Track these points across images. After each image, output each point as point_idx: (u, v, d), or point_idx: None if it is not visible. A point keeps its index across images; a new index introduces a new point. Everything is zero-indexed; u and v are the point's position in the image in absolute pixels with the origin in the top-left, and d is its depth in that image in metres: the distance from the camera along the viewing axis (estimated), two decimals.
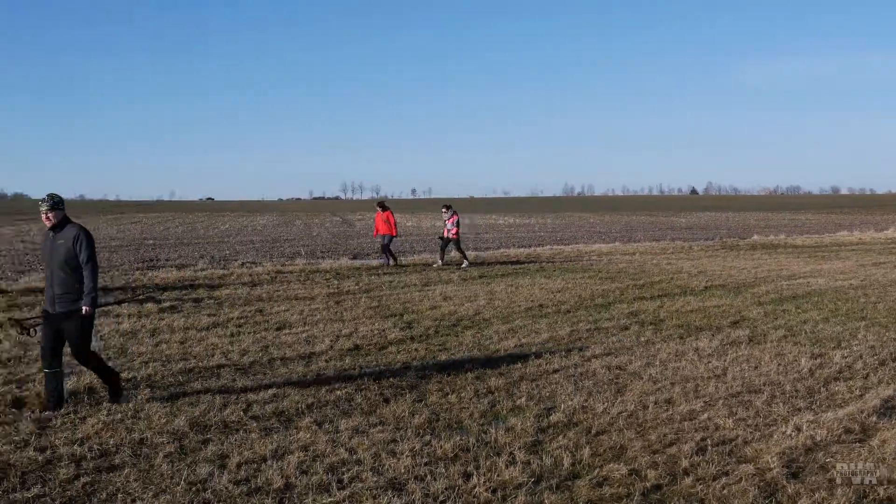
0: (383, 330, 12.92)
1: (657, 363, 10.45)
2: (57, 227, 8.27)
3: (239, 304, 15.65)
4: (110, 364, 10.13)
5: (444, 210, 25.03)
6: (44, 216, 8.28)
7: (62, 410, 8.15)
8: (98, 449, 7.04)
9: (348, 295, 17.28)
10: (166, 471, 6.56)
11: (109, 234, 43.41)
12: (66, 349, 8.39)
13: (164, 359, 10.64)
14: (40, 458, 6.81)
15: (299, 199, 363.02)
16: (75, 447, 7.07)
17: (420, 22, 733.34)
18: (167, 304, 15.53)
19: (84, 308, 8.14)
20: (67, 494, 6.07)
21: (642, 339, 12.14)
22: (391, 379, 9.66)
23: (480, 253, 29.85)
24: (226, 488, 6.19)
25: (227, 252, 30.05)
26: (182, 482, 6.30)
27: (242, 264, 24.52)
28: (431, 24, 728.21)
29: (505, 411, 8.32)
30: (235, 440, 7.34)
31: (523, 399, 8.74)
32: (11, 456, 6.83)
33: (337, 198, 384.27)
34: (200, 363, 10.41)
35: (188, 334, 12.40)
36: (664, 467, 6.67)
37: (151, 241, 36.51)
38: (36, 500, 5.95)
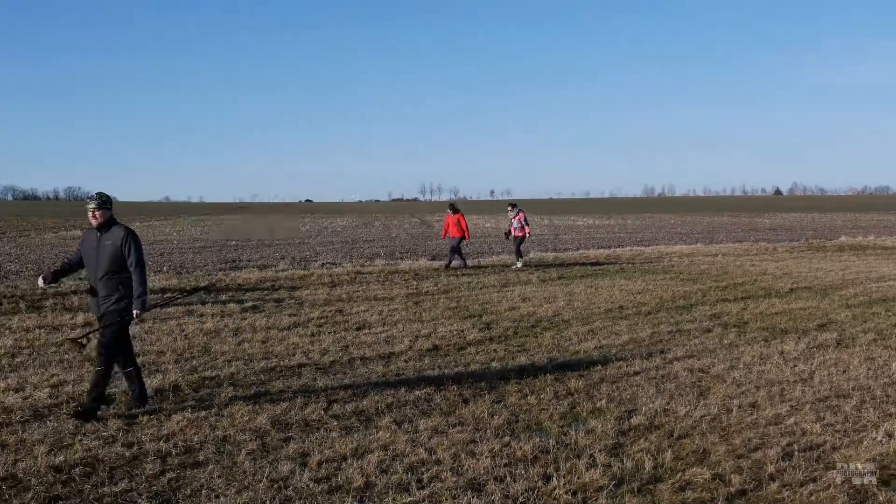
0: (462, 331, 12.92)
1: (741, 366, 10.24)
2: (103, 227, 8.16)
3: (319, 305, 15.81)
4: (192, 364, 10.34)
5: (509, 209, 24.87)
6: (90, 214, 8.14)
7: (146, 407, 8.32)
8: (183, 445, 7.18)
9: (427, 296, 17.34)
10: (249, 468, 6.65)
11: (193, 235, 44.29)
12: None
13: (246, 357, 10.80)
14: (128, 453, 6.97)
15: (378, 200, 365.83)
16: (161, 443, 7.22)
17: (497, 17, 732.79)
18: (249, 303, 15.77)
19: (135, 311, 8.05)
20: (153, 489, 6.20)
21: (725, 341, 11.91)
22: (470, 379, 9.65)
23: (559, 254, 29.67)
24: (307, 486, 6.25)
25: (308, 253, 30.39)
26: (264, 479, 6.38)
27: (323, 265, 24.78)
28: (508, 21, 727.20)
29: (585, 413, 8.24)
30: (316, 438, 7.41)
31: (604, 401, 8.65)
32: (100, 451, 6.99)
33: (416, 199, 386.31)
34: (282, 362, 10.54)
35: (270, 334, 12.57)
36: (749, 472, 6.53)
37: (234, 242, 37.12)
38: (123, 495, 6.09)
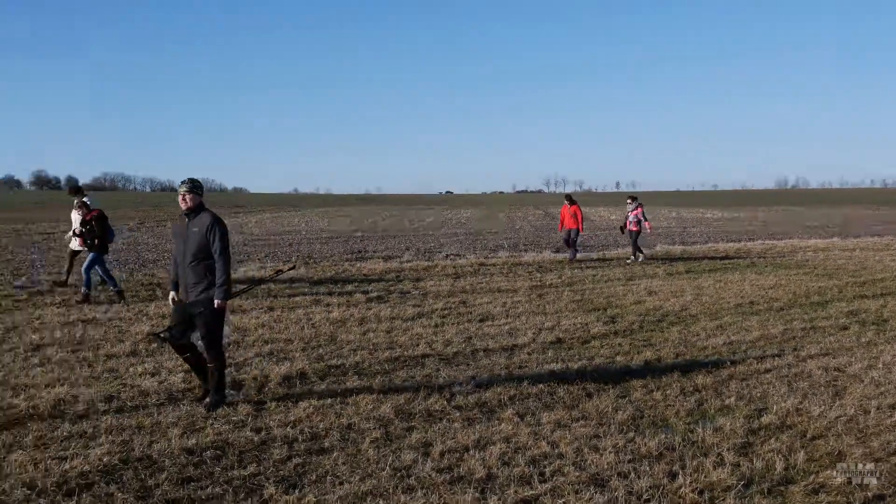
0: (586, 324, 12.77)
1: (880, 366, 9.80)
2: (192, 213, 8.08)
3: (443, 296, 15.89)
4: (319, 352, 10.54)
5: (629, 201, 24.34)
6: (181, 197, 8.08)
7: (236, 397, 8.33)
8: (309, 432, 7.31)
9: (551, 288, 17.22)
10: (372, 456, 6.72)
11: (320, 226, 45.18)
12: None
13: (371, 347, 10.93)
14: (256, 438, 7.14)
15: (502, 192, 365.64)
16: (288, 429, 7.36)
17: (628, 7, 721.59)
18: (374, 294, 15.98)
19: (216, 301, 7.89)
20: (280, 474, 6.33)
21: (863, 339, 11.43)
22: (594, 373, 9.53)
23: (687, 247, 29.05)
24: (429, 476, 6.28)
25: (432, 244, 30.62)
26: (387, 468, 6.44)
27: (446, 256, 24.92)
28: (636, 13, 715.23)
29: (713, 410, 8.03)
30: (439, 429, 7.44)
31: (732, 399, 8.41)
32: (230, 435, 7.19)
33: (540, 191, 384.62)
34: (406, 352, 10.63)
35: (394, 324, 12.70)
36: (888, 477, 6.24)
37: (360, 234, 37.71)
38: (251, 479, 6.24)
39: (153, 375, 9.22)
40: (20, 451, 6.66)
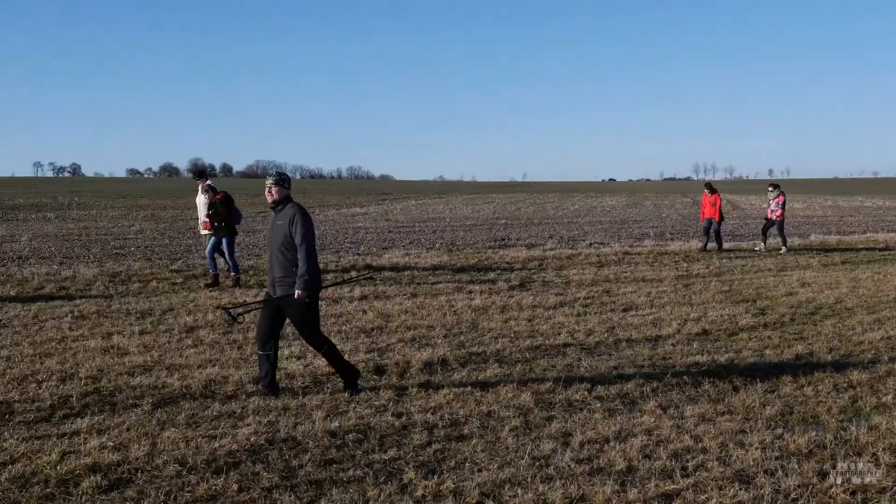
0: (734, 315, 12.41)
1: None
2: (278, 205, 8.05)
3: (586, 285, 15.74)
4: (460, 339, 10.60)
5: (770, 189, 23.25)
6: (267, 190, 8.07)
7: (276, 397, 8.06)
8: (449, 418, 7.36)
9: (697, 278, 16.81)
10: (511, 444, 6.72)
11: (464, 213, 45.44)
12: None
13: (512, 335, 10.93)
14: (397, 423, 7.24)
15: (649, 179, 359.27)
16: (428, 415, 7.44)
17: None
18: (517, 282, 15.97)
19: (296, 292, 7.78)
20: (420, 459, 6.40)
21: None
22: (741, 367, 9.25)
23: (843, 237, 27.85)
24: (568, 466, 6.23)
25: (576, 232, 30.37)
26: (526, 456, 6.42)
27: (590, 245, 24.68)
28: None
29: (868, 408, 7.67)
30: (579, 419, 7.37)
31: (889, 396, 8.01)
32: (372, 419, 7.31)
33: (688, 178, 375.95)
34: (547, 341, 10.58)
35: (536, 312, 12.66)
36: None
37: (504, 221, 37.74)
38: (392, 463, 6.33)
39: (299, 359, 9.48)
40: (173, 429, 6.96)
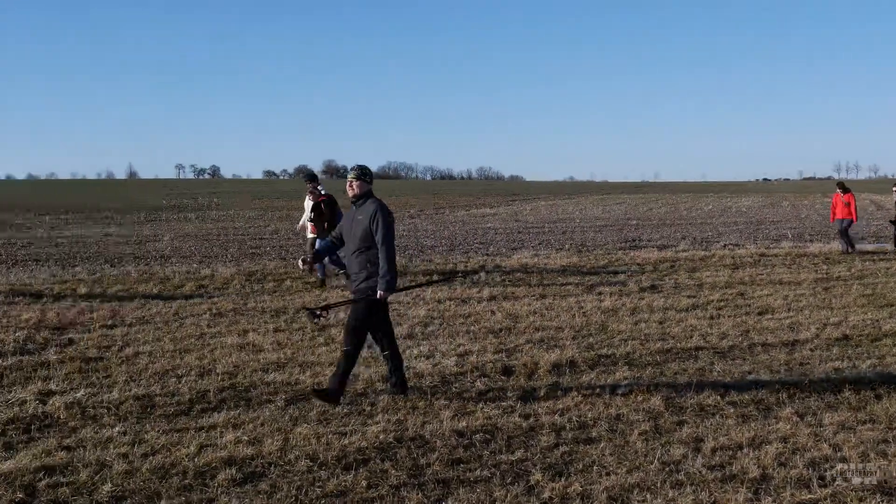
0: (877, 320, 11.90)
1: None
2: (359, 200, 7.93)
3: (720, 287, 15.36)
4: (589, 341, 10.50)
5: (895, 189, 21.78)
6: (348, 184, 7.96)
7: (406, 396, 8.05)
8: (577, 420, 7.31)
9: (838, 281, 16.18)
10: (640, 448, 6.62)
11: (594, 214, 45.04)
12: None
13: (642, 337, 10.76)
14: (524, 424, 7.22)
15: (787, 179, 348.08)
16: (556, 417, 7.40)
17: None
18: (647, 283, 15.73)
19: (379, 292, 7.68)
20: (547, 461, 6.37)
21: None
22: (885, 374, 8.86)
23: None
24: (699, 472, 6.09)
25: (709, 233, 29.69)
26: (655, 461, 6.31)
27: (724, 246, 24.08)
28: None
29: None
30: (711, 424, 7.20)
31: None
32: (499, 420, 7.32)
33: (829, 178, 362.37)
34: (678, 344, 10.38)
35: (667, 314, 12.43)
36: None
37: (635, 222, 37.24)
38: (519, 464, 6.32)
39: (428, 358, 9.57)
40: (305, 425, 7.13)
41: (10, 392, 8.16)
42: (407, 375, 8.61)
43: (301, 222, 17.45)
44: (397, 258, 9.87)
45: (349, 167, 8.19)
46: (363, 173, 7.99)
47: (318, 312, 8.44)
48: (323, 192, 16.03)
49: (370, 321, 7.92)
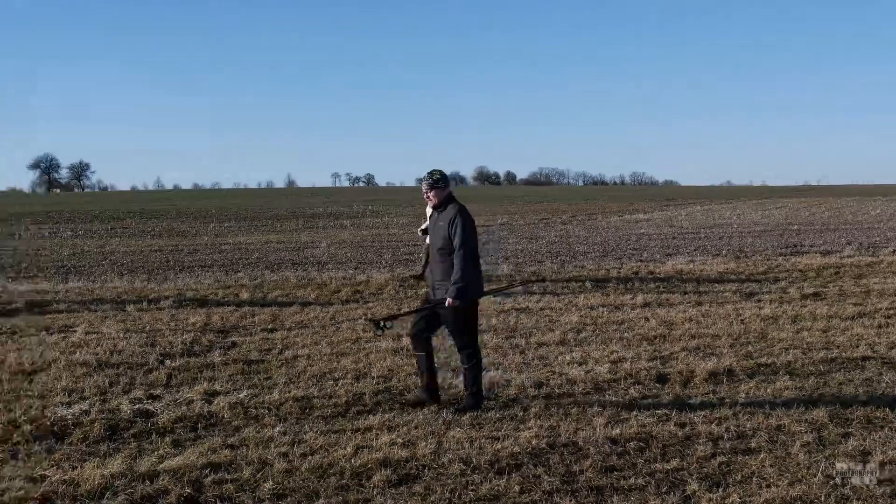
0: None
1: None
2: (440, 208, 7.76)
3: (888, 294, 14.63)
4: (747, 349, 10.21)
5: None
6: (424, 195, 7.82)
7: (477, 410, 7.76)
8: (735, 430, 7.11)
9: None
10: (803, 460, 6.38)
11: (753, 219, 43.64)
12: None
13: (804, 346, 10.36)
14: (680, 433, 7.08)
15: None
16: (713, 426, 7.22)
17: None
18: (810, 290, 15.15)
19: (448, 300, 7.48)
20: (703, 471, 6.22)
21: None
22: None
23: None
24: (866, 487, 5.84)
25: (877, 238, 28.29)
26: (819, 474, 6.08)
27: (894, 251, 22.90)
28: None
29: None
30: (879, 437, 6.88)
31: None
32: (654, 428, 7.20)
33: None
34: (843, 353, 9.94)
35: (831, 323, 11.93)
36: None
37: (796, 227, 35.88)
38: (674, 473, 6.20)
39: (580, 364, 9.50)
40: (458, 429, 7.20)
41: (178, 392, 8.58)
42: (559, 381, 8.58)
43: (423, 226, 17.41)
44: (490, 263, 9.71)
45: (421, 176, 8.02)
46: (437, 181, 7.75)
47: (382, 323, 8.30)
48: None
49: (469, 325, 7.77)
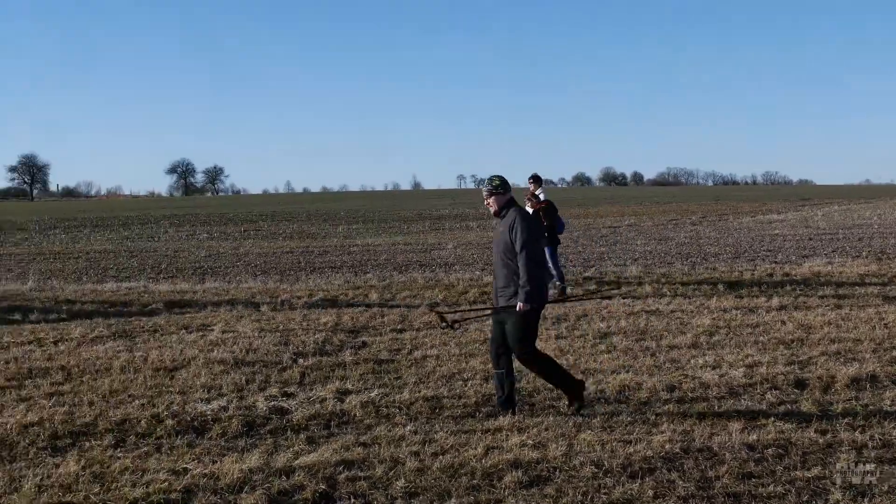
0: None
1: None
2: (501, 212, 7.65)
3: None
4: (892, 354, 9.77)
5: None
6: (485, 202, 7.76)
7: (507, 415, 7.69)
8: (880, 439, 6.80)
9: None
10: None
11: (895, 218, 41.85)
12: None
13: None
14: (821, 440, 6.82)
15: None
16: (856, 434, 6.93)
17: None
18: None
19: (518, 304, 7.32)
20: (847, 480, 5.97)
21: None
22: None
23: None
24: None
25: None
26: None
27: None
28: None
29: None
30: None
31: None
32: (793, 434, 6.95)
33: None
34: None
35: None
36: None
37: None
38: (816, 481, 5.97)
39: (714, 368, 9.27)
40: (588, 431, 7.11)
41: (312, 390, 8.76)
42: (692, 385, 8.41)
43: None
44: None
45: (482, 183, 7.94)
46: (496, 186, 7.70)
47: (446, 323, 8.48)
48: (543, 199, 15.91)
49: (531, 330, 7.57)
